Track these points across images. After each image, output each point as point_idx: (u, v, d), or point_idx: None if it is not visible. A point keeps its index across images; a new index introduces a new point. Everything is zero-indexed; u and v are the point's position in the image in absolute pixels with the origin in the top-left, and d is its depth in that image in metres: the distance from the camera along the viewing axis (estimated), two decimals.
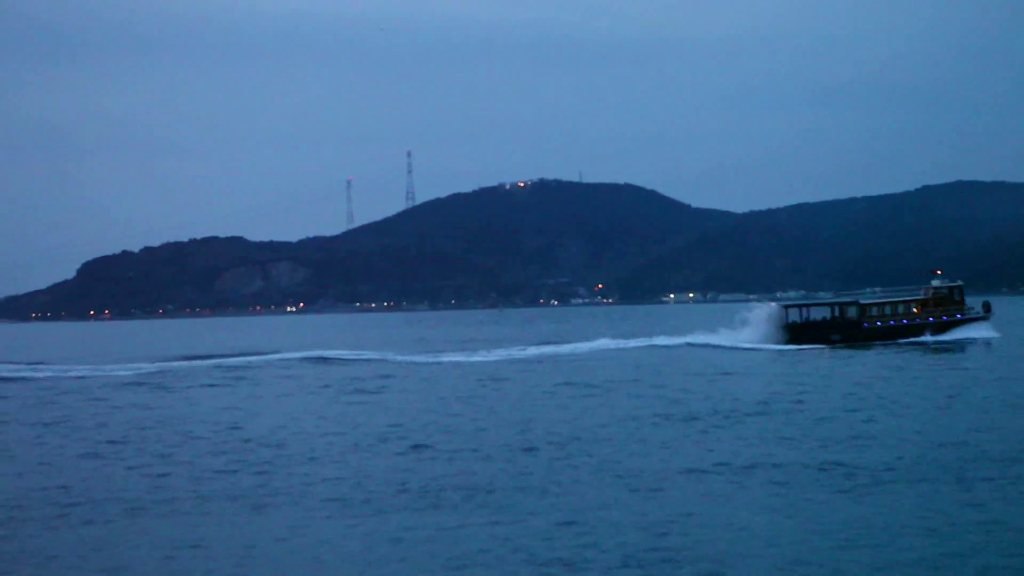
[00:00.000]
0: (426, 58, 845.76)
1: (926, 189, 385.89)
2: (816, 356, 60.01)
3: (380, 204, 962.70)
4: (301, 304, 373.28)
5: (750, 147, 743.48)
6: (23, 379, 55.80)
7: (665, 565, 16.23)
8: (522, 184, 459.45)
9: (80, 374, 57.78)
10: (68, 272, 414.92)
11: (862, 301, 73.22)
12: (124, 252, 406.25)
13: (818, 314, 72.46)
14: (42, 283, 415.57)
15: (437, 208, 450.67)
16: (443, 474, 23.79)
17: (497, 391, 43.82)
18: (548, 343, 77.34)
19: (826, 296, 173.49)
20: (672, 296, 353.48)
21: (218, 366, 61.61)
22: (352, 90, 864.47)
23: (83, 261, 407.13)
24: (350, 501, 21.24)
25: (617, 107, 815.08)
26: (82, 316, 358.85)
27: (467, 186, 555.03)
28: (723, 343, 69.66)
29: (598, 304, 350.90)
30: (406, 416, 35.04)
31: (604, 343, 72.74)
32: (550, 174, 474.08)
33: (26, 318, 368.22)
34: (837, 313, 71.86)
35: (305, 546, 17.93)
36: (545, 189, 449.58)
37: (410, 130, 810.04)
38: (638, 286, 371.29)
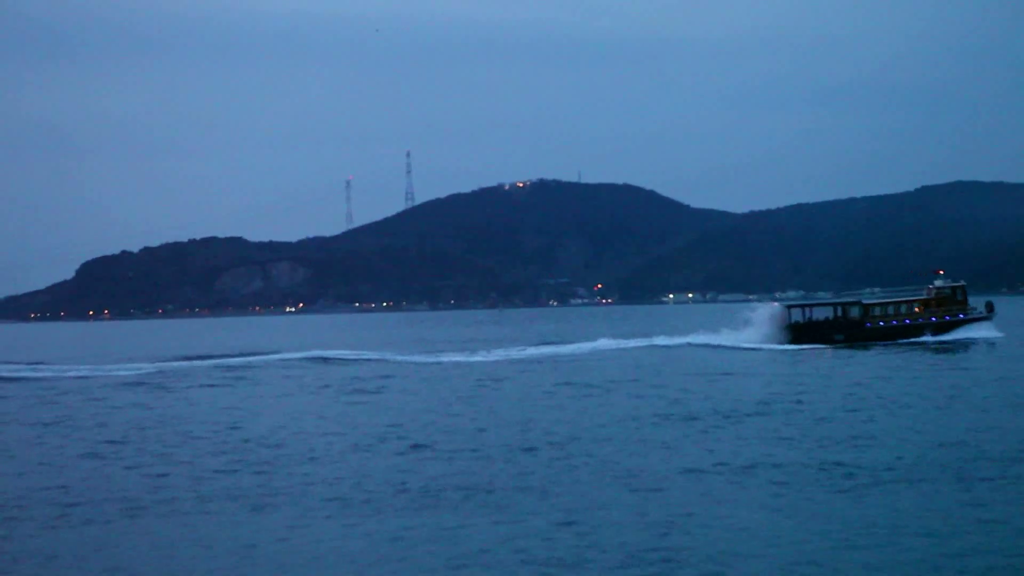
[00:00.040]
0: (426, 58, 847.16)
1: (926, 189, 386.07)
2: (818, 356, 59.98)
3: (380, 204, 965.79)
4: (301, 304, 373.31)
5: (750, 147, 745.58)
6: (23, 379, 55.77)
7: (665, 565, 16.22)
8: (521, 184, 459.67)
9: (80, 374, 57.75)
10: (67, 272, 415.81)
11: (865, 301, 73.23)
12: (123, 252, 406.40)
13: (821, 314, 72.45)
14: (41, 283, 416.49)
15: (437, 208, 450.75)
16: (443, 474, 23.78)
17: (497, 391, 43.81)
18: (548, 343, 77.31)
19: (825, 296, 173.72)
20: (671, 296, 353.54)
21: (218, 366, 61.59)
22: (352, 90, 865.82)
23: (82, 261, 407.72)
24: (350, 501, 21.23)
25: (617, 107, 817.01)
26: (81, 316, 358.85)
27: (467, 186, 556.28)
28: (726, 343, 69.62)
29: (598, 304, 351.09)
30: (406, 416, 35.03)
31: (604, 343, 72.72)
32: (550, 174, 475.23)
33: (25, 318, 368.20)
34: (840, 313, 71.85)
35: (305, 546, 17.92)
36: (545, 189, 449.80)
37: (409, 130, 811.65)
38: (638, 286, 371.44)
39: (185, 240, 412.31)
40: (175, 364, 64.37)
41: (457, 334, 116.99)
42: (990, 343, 65.88)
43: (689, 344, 71.43)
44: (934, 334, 68.70)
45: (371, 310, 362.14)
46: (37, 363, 65.97)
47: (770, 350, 65.24)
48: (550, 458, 25.65)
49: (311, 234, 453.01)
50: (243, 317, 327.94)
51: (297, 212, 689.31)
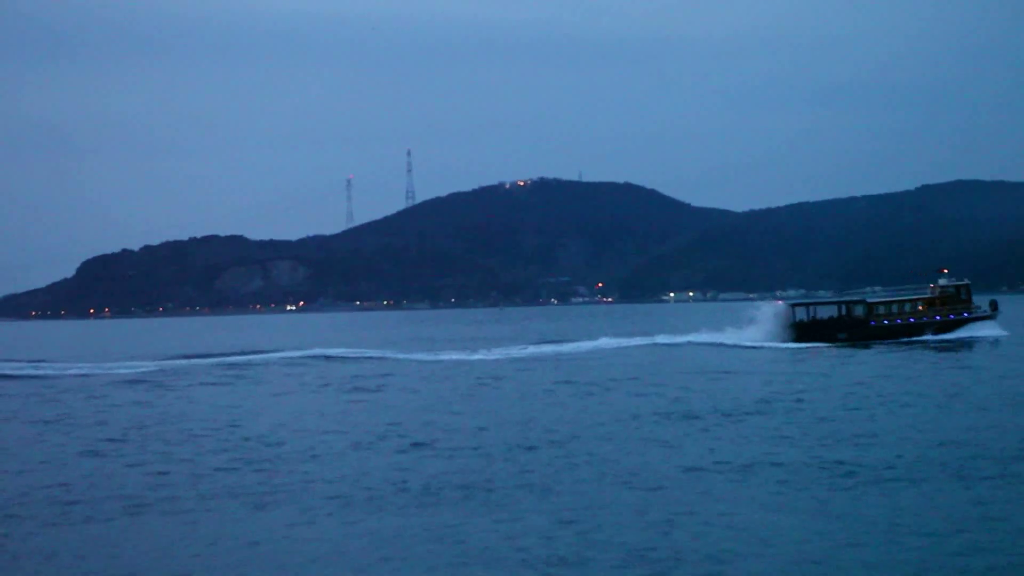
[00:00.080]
0: (426, 57, 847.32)
1: (926, 188, 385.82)
2: (820, 354, 59.94)
3: (380, 203, 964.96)
4: (301, 303, 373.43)
5: (750, 146, 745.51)
6: (24, 377, 55.77)
7: (666, 563, 16.21)
8: (522, 183, 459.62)
9: (80, 372, 57.73)
10: (68, 271, 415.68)
11: (869, 300, 73.17)
12: (124, 251, 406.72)
13: (825, 313, 72.44)
14: (42, 282, 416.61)
15: (437, 207, 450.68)
16: (443, 472, 23.77)
17: (497, 390, 43.80)
18: (549, 342, 77.27)
19: (826, 295, 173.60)
20: (672, 295, 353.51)
21: (218, 364, 61.57)
22: (352, 90, 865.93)
23: (83, 260, 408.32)
24: (351, 499, 21.22)
25: (617, 106, 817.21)
26: (82, 315, 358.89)
27: (467, 185, 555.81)
28: (730, 342, 69.58)
29: (598, 303, 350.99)
30: (406, 414, 35.01)
31: (606, 342, 72.65)
32: (550, 173, 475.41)
33: (26, 316, 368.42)
34: (844, 312, 71.83)
35: (306, 544, 17.91)
36: (545, 188, 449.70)
37: (410, 129, 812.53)
38: (638, 285, 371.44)
39: (185, 239, 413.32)
40: (175, 362, 64.34)
41: (457, 333, 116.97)
42: (994, 341, 65.82)
43: (690, 343, 71.41)
44: (938, 333, 68.63)
45: (371, 309, 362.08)
46: (38, 361, 65.97)
47: (772, 348, 65.23)
48: (551, 457, 25.64)
49: (311, 233, 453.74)
50: (243, 316, 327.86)
51: (297, 211, 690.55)
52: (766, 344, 67.13)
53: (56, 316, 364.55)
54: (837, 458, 24.23)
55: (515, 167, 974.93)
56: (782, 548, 16.85)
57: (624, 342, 72.40)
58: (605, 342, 72.47)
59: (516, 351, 67.99)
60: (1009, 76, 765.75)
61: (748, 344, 67.68)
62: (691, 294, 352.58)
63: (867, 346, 64.94)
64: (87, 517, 20.26)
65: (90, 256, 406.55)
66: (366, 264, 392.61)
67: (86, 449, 29.04)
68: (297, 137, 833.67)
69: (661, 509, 19.63)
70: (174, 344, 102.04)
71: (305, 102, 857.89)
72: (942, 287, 72.02)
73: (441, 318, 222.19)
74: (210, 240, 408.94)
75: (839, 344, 66.86)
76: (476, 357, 63.32)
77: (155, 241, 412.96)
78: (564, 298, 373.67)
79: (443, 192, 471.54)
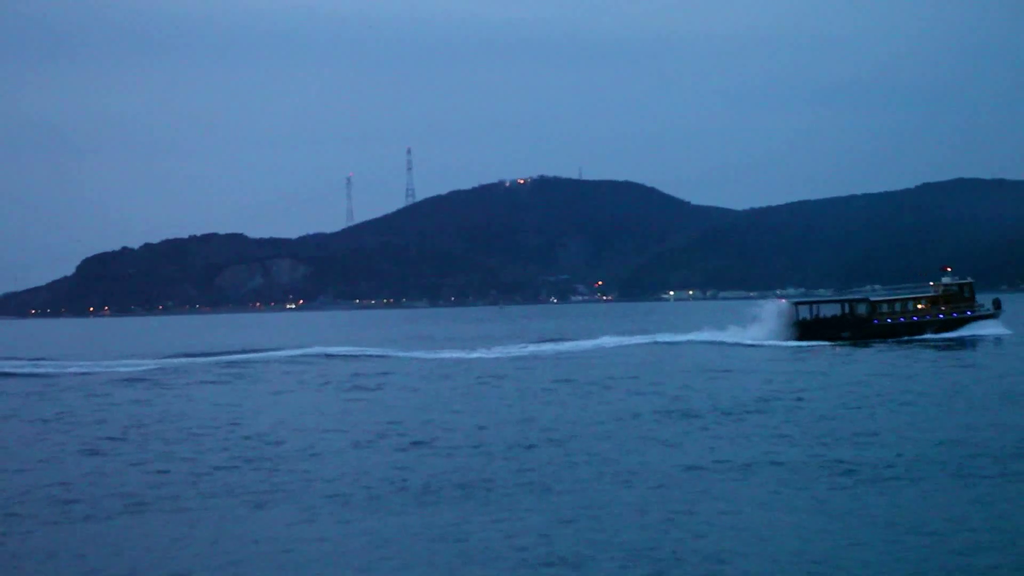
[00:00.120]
0: (426, 57, 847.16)
1: (926, 187, 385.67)
2: (822, 353, 59.89)
3: (380, 201, 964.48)
4: (301, 301, 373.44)
5: (750, 145, 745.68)
6: (24, 375, 55.76)
7: (666, 563, 16.20)
8: (522, 181, 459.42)
9: (80, 370, 57.73)
10: (68, 269, 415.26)
11: (872, 298, 73.09)
12: (124, 249, 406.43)
13: (828, 311, 72.40)
14: (42, 280, 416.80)
15: (437, 205, 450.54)
16: (443, 471, 23.76)
17: (497, 388, 43.78)
18: (549, 340, 77.22)
19: (826, 294, 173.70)
20: (672, 294, 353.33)
21: (218, 363, 61.55)
22: (352, 89, 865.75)
23: (83, 258, 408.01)
24: (350, 498, 21.22)
25: (617, 105, 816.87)
26: (82, 313, 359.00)
27: (467, 183, 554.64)
28: (733, 340, 69.53)
29: (598, 301, 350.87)
30: (406, 413, 35.01)
31: (607, 340, 72.55)
32: (550, 171, 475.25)
33: (26, 315, 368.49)
34: (847, 310, 71.78)
35: (306, 542, 17.90)
36: (545, 186, 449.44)
37: (410, 127, 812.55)
38: (638, 284, 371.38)
39: (185, 237, 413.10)
40: (175, 360, 64.30)
41: (457, 331, 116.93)
42: (997, 340, 65.76)
43: (691, 341, 71.37)
44: (941, 331, 68.53)
45: (371, 307, 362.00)
46: (38, 359, 65.97)
47: (772, 347, 65.18)
48: (550, 455, 25.63)
49: (311, 231, 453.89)
50: (243, 314, 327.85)
51: (297, 209, 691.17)
52: (769, 343, 67.08)
53: (56, 314, 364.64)
54: (837, 457, 24.22)
55: (515, 165, 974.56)
56: (782, 547, 16.85)
57: (625, 340, 72.32)
58: (607, 340, 72.33)
59: (516, 350, 67.97)
60: (1009, 76, 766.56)
61: (750, 342, 67.65)
62: (691, 293, 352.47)
63: (868, 345, 64.89)
64: (87, 516, 20.26)
65: (90, 254, 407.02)
66: (366, 262, 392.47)
67: (86, 447, 29.04)
68: (297, 136, 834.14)
69: (661, 508, 19.62)
70: (174, 342, 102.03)
71: (305, 102, 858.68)
72: (945, 285, 71.89)
73: (441, 316, 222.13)
74: (210, 238, 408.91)
75: (842, 343, 66.79)
76: (476, 355, 63.30)
77: (155, 239, 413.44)
78: (564, 296, 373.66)
79: (443, 190, 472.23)
